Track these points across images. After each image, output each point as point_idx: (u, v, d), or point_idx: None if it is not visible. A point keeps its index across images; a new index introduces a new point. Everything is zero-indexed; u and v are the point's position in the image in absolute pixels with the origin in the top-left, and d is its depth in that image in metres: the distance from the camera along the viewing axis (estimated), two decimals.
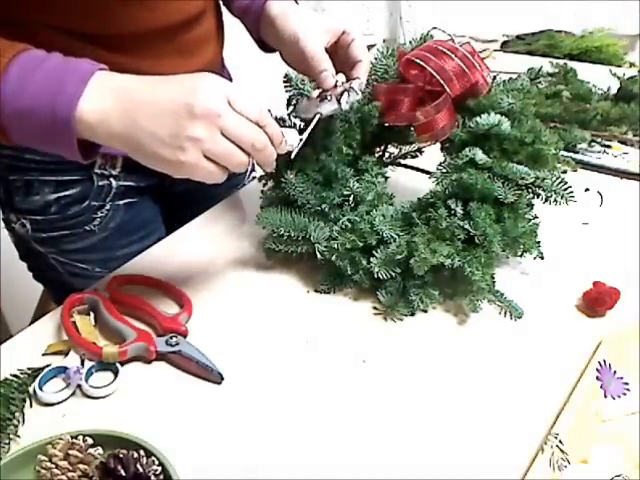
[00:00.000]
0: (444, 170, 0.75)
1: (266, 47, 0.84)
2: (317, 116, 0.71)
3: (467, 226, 0.69)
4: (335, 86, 0.73)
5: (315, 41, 0.75)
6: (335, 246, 0.71)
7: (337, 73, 0.76)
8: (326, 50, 0.75)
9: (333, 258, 0.72)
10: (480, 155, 0.72)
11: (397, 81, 0.81)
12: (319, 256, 0.72)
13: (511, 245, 0.72)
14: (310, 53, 0.74)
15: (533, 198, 0.74)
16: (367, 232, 0.71)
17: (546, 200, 0.73)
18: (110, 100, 0.57)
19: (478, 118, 0.73)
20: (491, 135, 0.74)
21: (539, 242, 0.74)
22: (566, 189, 0.72)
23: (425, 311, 0.71)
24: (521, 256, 0.75)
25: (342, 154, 0.77)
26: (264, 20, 0.80)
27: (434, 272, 0.70)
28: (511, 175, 0.71)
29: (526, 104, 0.77)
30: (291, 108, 0.83)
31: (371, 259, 0.70)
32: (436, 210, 0.70)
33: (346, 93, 0.72)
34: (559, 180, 0.73)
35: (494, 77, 0.82)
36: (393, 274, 0.69)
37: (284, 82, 0.84)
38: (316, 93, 0.76)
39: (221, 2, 0.91)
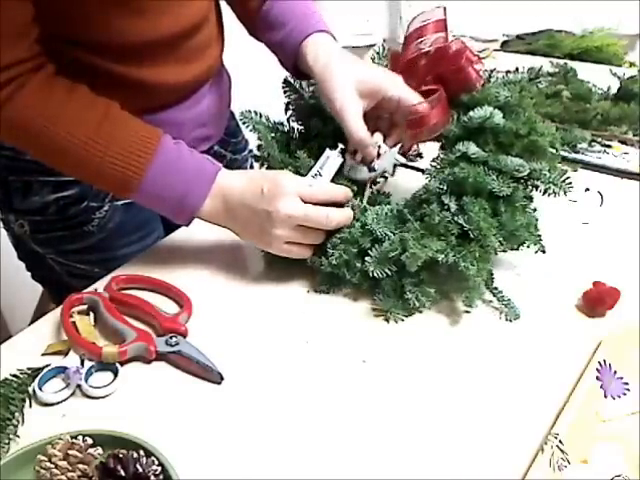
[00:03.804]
0: (437, 166, 0.75)
1: (301, 75, 0.83)
2: (370, 181, 0.77)
3: (460, 220, 0.69)
4: (378, 155, 0.76)
5: (356, 116, 0.74)
6: (331, 261, 0.71)
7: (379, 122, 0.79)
8: (365, 114, 0.75)
9: (329, 269, 0.72)
10: (473, 149, 0.71)
11: None
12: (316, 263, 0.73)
13: (508, 239, 0.72)
14: (352, 129, 0.74)
15: (531, 191, 0.74)
16: (359, 235, 0.71)
17: (545, 192, 0.73)
18: (220, 206, 0.72)
19: (471, 112, 0.73)
20: (485, 129, 0.73)
21: (540, 236, 0.73)
22: (564, 180, 0.72)
23: (420, 311, 0.71)
24: (517, 249, 0.74)
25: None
26: (301, 61, 0.79)
27: (429, 269, 0.70)
28: (505, 168, 0.71)
29: (522, 97, 0.77)
30: (290, 113, 0.84)
31: (366, 259, 0.70)
32: (429, 206, 0.70)
33: (391, 161, 0.77)
34: (556, 172, 0.72)
35: (490, 73, 0.82)
36: (389, 272, 0.69)
37: (283, 87, 0.84)
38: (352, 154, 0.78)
39: (246, 30, 0.90)
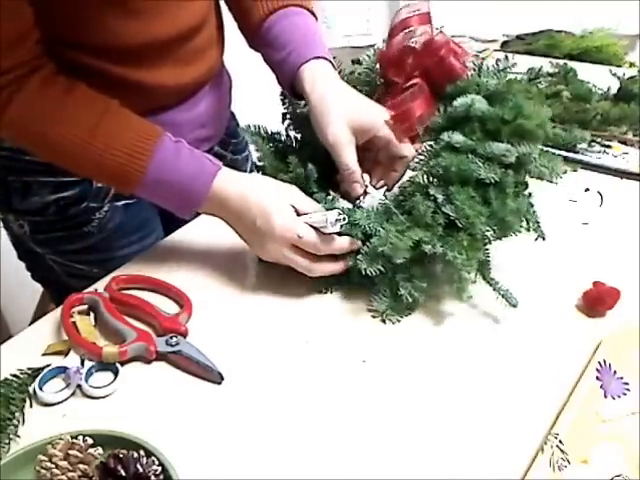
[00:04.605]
0: (423, 157, 0.75)
1: (297, 97, 0.82)
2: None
3: (447, 210, 0.68)
4: (365, 192, 0.75)
5: (348, 149, 0.74)
6: None
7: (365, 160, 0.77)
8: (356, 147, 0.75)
9: None
10: (456, 137, 0.71)
11: (380, 83, 0.81)
12: None
13: (500, 226, 0.70)
14: (342, 164, 0.74)
15: (524, 177, 0.73)
16: (348, 231, 0.71)
17: (538, 177, 0.72)
18: (216, 210, 0.74)
19: (454, 101, 0.73)
20: (471, 117, 0.72)
21: (538, 222, 0.73)
22: (552, 161, 0.71)
23: (413, 310, 0.71)
24: (509, 235, 0.72)
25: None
26: (298, 86, 0.79)
27: (421, 263, 0.69)
28: (492, 155, 0.70)
29: (510, 82, 0.76)
30: (287, 122, 0.83)
31: (357, 256, 0.70)
32: (414, 198, 0.70)
33: (374, 198, 0.76)
34: (544, 154, 0.71)
35: (480, 64, 0.81)
36: (382, 269, 0.69)
37: (281, 98, 0.84)
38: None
39: (246, 42, 0.90)
